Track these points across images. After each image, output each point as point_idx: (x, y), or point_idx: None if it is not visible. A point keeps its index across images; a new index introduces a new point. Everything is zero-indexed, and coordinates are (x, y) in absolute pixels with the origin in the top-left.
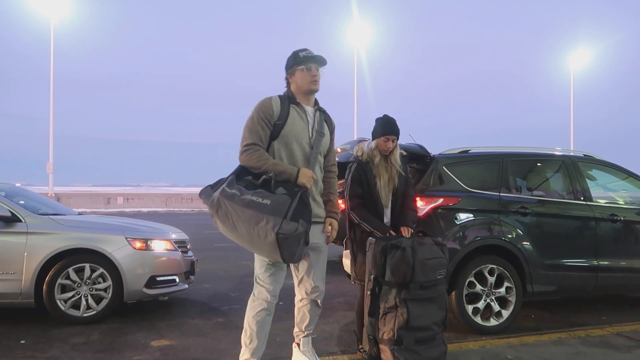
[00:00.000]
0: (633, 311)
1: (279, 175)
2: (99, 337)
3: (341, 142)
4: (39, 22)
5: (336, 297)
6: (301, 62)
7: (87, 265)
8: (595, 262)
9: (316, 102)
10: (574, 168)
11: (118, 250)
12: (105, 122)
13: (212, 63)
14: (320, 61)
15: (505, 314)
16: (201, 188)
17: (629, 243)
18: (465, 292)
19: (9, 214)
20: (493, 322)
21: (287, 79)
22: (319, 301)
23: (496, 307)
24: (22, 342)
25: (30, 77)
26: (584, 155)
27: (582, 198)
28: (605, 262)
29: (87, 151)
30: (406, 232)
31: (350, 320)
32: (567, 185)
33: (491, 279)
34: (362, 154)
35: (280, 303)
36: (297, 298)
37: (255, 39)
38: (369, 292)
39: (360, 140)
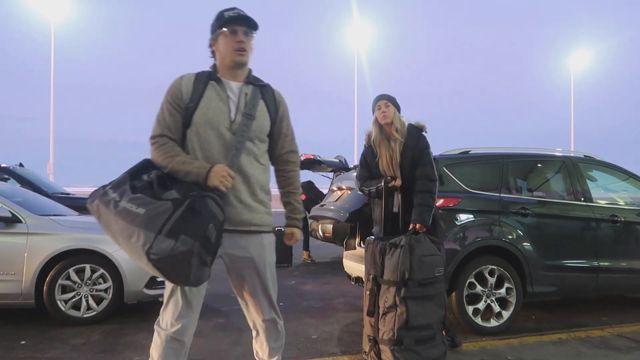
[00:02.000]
0: (633, 312)
1: (186, 177)
2: (99, 337)
3: (336, 152)
4: (40, 23)
5: (336, 298)
6: (224, 23)
7: (87, 266)
8: (595, 263)
9: (249, 76)
10: (575, 169)
11: (118, 250)
12: (106, 123)
13: (211, 64)
14: (250, 24)
15: (506, 314)
16: None
17: (629, 244)
18: (465, 292)
19: (10, 215)
20: (493, 322)
21: (211, 47)
22: (277, 325)
23: (496, 307)
24: (23, 342)
25: (30, 78)
26: (585, 156)
27: (582, 199)
28: (606, 263)
29: (88, 152)
30: (414, 227)
31: (351, 321)
32: (567, 186)
33: (491, 280)
34: (366, 137)
35: (281, 304)
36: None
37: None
38: (367, 292)
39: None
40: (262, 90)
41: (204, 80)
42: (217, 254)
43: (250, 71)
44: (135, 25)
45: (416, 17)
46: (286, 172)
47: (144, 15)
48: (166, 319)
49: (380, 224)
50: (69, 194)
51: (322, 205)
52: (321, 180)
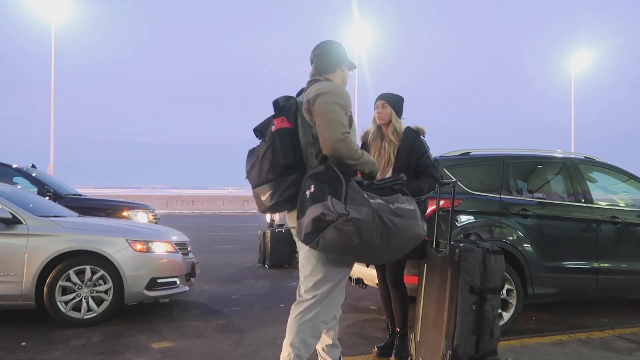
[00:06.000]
0: (634, 313)
1: (370, 170)
2: (99, 339)
3: None
4: (40, 23)
5: None
6: (349, 66)
7: (87, 267)
8: (596, 265)
9: None
10: (575, 170)
11: (119, 252)
12: (106, 124)
13: (212, 65)
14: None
15: (506, 316)
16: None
17: (629, 245)
18: None
19: (10, 216)
20: None
21: (338, 66)
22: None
23: None
24: (23, 344)
25: (31, 79)
26: (585, 157)
27: (583, 200)
28: (606, 265)
29: (88, 153)
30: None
31: (352, 322)
32: (568, 187)
33: None
34: (362, 134)
35: (281, 305)
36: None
37: (253, 39)
38: (473, 307)
39: None
40: None
41: None
42: None
43: None
44: (136, 26)
45: (417, 19)
46: None
47: (144, 16)
48: (339, 308)
49: None
50: (81, 195)
51: None
52: None
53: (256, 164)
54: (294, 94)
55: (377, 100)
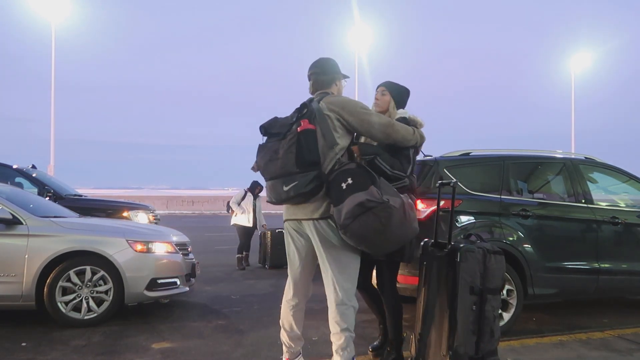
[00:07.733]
0: (634, 314)
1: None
2: (100, 339)
3: None
4: (40, 24)
5: None
6: (342, 77)
7: (88, 268)
8: (596, 265)
9: None
10: (575, 171)
11: (119, 252)
12: (107, 125)
13: (212, 66)
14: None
15: (507, 316)
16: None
17: (630, 246)
18: None
19: (10, 217)
20: None
21: (332, 79)
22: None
23: None
24: (23, 344)
25: (31, 79)
26: (585, 157)
27: (583, 201)
28: (607, 265)
29: (89, 154)
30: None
31: None
32: (568, 187)
33: None
34: None
35: (281, 305)
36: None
37: (252, 40)
38: (474, 308)
39: None
40: None
41: None
42: None
43: None
44: (137, 26)
45: (417, 19)
46: None
47: (145, 17)
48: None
49: None
50: (81, 195)
51: None
52: None
53: (275, 157)
54: (292, 94)
55: (378, 86)
